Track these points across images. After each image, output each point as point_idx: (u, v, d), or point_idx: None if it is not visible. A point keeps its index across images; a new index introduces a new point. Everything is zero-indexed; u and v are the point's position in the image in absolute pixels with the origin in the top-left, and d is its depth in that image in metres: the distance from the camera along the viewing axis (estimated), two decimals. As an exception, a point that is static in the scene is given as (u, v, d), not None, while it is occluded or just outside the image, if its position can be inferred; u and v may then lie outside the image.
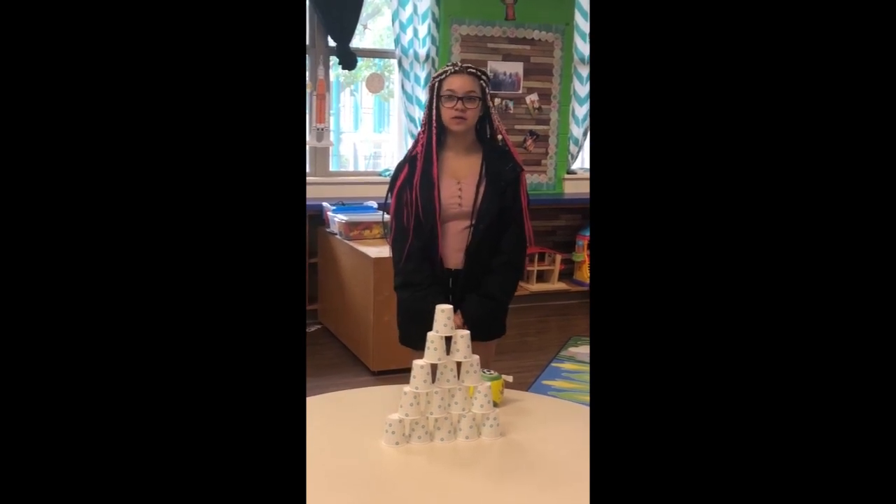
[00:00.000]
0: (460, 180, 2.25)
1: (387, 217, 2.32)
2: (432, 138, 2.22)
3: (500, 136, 2.30)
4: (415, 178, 2.21)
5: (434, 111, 2.22)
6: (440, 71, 2.25)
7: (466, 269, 2.25)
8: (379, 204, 4.01)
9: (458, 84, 2.20)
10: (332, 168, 5.06)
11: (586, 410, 2.07)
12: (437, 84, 2.22)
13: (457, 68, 2.23)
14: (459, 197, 2.24)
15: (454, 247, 2.26)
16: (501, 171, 2.25)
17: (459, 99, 2.18)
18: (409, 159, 2.26)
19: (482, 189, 2.23)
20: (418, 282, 2.24)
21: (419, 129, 2.30)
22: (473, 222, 2.23)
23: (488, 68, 5.10)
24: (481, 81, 2.23)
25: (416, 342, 2.26)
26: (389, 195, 2.28)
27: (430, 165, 2.21)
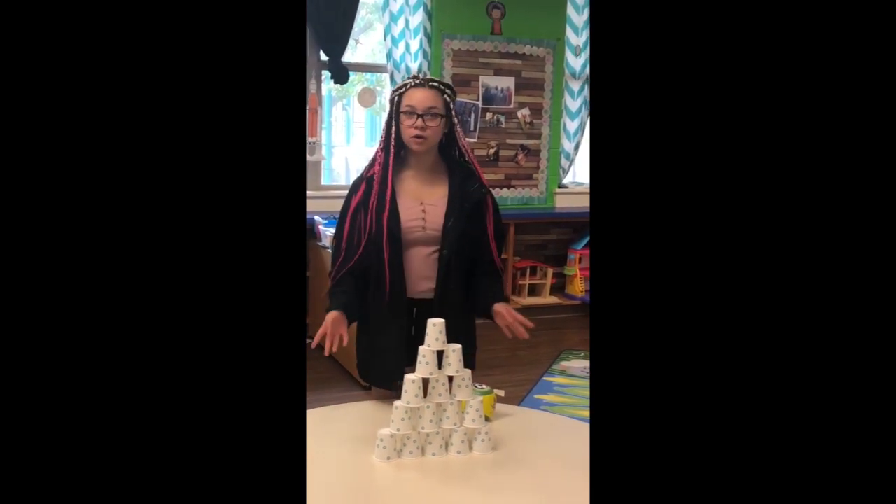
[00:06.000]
0: (423, 202, 2.06)
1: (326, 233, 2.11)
2: (390, 158, 2.03)
3: (466, 155, 2.11)
4: (371, 199, 2.02)
5: (394, 128, 2.03)
6: (400, 84, 2.05)
7: (438, 297, 2.05)
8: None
9: (418, 99, 2.00)
10: (323, 182, 5.07)
11: (579, 425, 2.06)
12: (396, 98, 2.03)
13: (417, 81, 2.03)
14: (423, 220, 2.05)
15: (420, 274, 2.06)
16: (467, 192, 2.07)
17: (420, 116, 1.99)
18: (366, 179, 2.05)
19: (447, 211, 2.05)
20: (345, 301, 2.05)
21: (378, 145, 2.09)
22: (441, 248, 2.05)
23: (480, 83, 5.12)
24: (445, 96, 2.03)
25: (376, 379, 2.16)
26: (344, 218, 2.08)
27: (386, 186, 2.02)
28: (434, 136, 2.02)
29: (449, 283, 2.06)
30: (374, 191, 2.02)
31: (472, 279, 2.12)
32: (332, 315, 2.00)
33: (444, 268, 2.05)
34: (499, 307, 2.06)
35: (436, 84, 2.03)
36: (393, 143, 2.03)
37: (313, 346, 1.97)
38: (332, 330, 1.97)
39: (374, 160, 2.08)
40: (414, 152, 2.05)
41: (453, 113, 2.06)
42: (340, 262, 2.08)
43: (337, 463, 1.74)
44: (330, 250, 2.17)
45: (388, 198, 2.01)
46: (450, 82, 2.09)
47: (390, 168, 2.03)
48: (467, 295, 2.12)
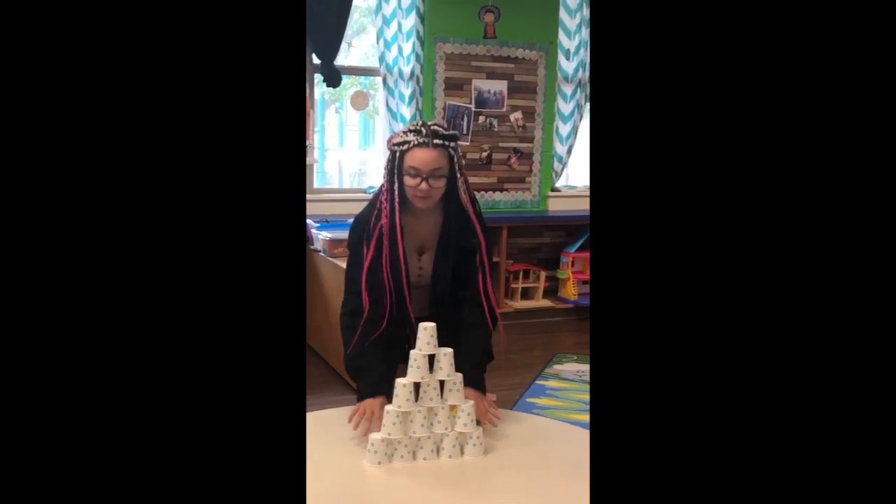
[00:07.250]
0: (423, 254, 2.09)
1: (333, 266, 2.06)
2: (395, 213, 1.97)
3: (464, 207, 2.03)
4: (383, 258, 1.98)
5: (396, 181, 1.96)
6: (401, 140, 1.95)
7: (435, 317, 2.02)
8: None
9: (422, 160, 1.92)
10: (316, 185, 5.06)
11: (572, 429, 2.07)
12: (399, 154, 1.95)
13: (421, 139, 1.92)
14: (420, 276, 2.11)
15: (418, 303, 2.11)
16: (458, 246, 2.04)
17: (424, 179, 1.93)
18: (376, 238, 1.98)
19: (434, 267, 2.09)
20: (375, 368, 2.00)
21: (382, 191, 2.01)
22: (432, 289, 2.10)
23: (472, 86, 5.13)
24: (449, 150, 1.96)
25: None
26: (358, 270, 2.01)
27: (396, 243, 1.99)
28: (438, 194, 1.98)
29: (443, 310, 2.10)
30: (384, 247, 1.98)
31: (458, 330, 2.05)
32: (377, 402, 1.92)
33: (436, 301, 2.11)
34: (469, 394, 1.91)
35: (440, 142, 1.93)
36: (397, 199, 1.97)
37: (352, 426, 1.90)
38: (364, 409, 1.92)
39: (380, 210, 2.00)
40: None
41: (456, 166, 1.99)
42: (363, 325, 1.99)
43: (328, 467, 1.74)
44: (344, 278, 2.11)
45: (400, 254, 2.00)
46: (454, 132, 2.02)
47: (398, 225, 1.98)
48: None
